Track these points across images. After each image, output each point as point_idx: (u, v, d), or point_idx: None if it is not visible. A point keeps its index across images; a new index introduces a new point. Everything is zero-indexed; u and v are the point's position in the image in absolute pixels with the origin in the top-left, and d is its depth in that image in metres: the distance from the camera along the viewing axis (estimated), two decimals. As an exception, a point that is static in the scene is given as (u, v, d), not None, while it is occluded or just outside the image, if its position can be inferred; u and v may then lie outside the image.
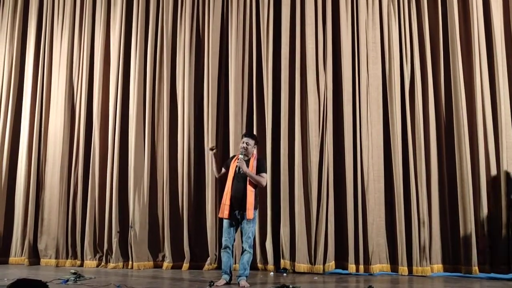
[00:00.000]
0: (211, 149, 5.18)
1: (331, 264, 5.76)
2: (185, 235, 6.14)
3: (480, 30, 5.98)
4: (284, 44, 6.27)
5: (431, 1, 6.18)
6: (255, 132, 6.02)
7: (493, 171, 5.72)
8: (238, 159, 4.89)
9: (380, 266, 5.76)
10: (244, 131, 6.06)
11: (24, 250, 6.52)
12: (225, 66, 6.51)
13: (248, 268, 4.83)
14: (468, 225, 5.58)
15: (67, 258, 6.45)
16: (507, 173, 5.66)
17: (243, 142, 4.95)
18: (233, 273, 4.91)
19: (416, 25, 6.13)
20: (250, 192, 4.78)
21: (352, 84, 6.10)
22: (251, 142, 4.97)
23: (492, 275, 5.51)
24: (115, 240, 6.23)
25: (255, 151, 5.06)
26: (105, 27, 6.85)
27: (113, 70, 6.72)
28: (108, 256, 6.27)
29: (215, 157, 5.19)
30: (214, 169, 5.21)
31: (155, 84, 6.59)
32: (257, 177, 4.86)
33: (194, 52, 6.59)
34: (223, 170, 5.12)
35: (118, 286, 4.59)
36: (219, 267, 5.66)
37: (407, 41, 6.10)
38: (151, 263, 6.24)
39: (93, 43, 6.92)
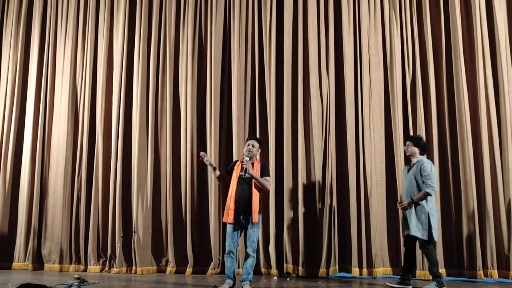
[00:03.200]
0: (202, 158, 4.99)
1: (334, 268, 5.75)
2: (188, 240, 6.14)
3: (483, 34, 6.00)
4: (287, 49, 6.31)
5: (433, 5, 6.22)
6: (258, 136, 6.03)
7: (499, 174, 5.71)
8: (243, 162, 4.87)
9: (383, 269, 5.78)
10: (247, 135, 6.08)
11: (27, 255, 6.53)
12: (228, 71, 6.54)
13: (252, 272, 4.81)
14: (472, 229, 5.58)
15: (70, 263, 6.45)
16: None
17: (248, 145, 4.93)
18: (236, 278, 4.91)
19: (418, 30, 6.17)
20: (255, 195, 4.77)
21: (354, 89, 6.13)
22: (256, 144, 4.96)
23: (497, 279, 5.50)
24: (118, 245, 6.23)
25: (258, 155, 5.06)
26: (108, 33, 6.89)
27: (116, 75, 6.75)
28: (112, 261, 6.27)
29: (210, 166, 5.03)
30: (213, 173, 5.13)
31: (158, 89, 6.62)
32: (263, 180, 4.83)
33: (196, 57, 6.62)
34: (220, 172, 5.08)
35: (122, 291, 4.60)
36: (222, 271, 5.66)
37: (409, 46, 6.13)
38: (155, 267, 6.23)
39: (96, 49, 6.95)
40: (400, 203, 4.99)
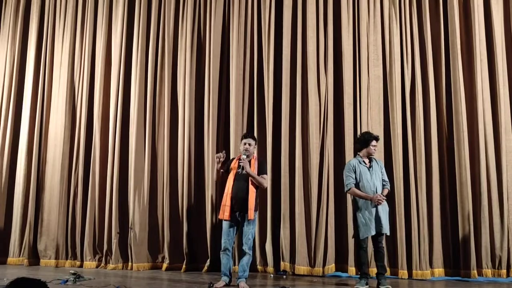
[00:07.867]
0: (218, 158, 4.97)
1: (331, 267, 5.75)
2: (184, 237, 6.13)
3: (481, 33, 5.98)
4: (285, 46, 6.27)
5: (432, 4, 6.19)
6: (255, 134, 6.02)
7: (493, 175, 5.70)
8: (240, 160, 4.88)
9: (380, 269, 5.74)
10: (244, 132, 6.04)
11: (23, 251, 6.52)
12: (226, 68, 6.51)
13: (248, 270, 4.83)
14: (467, 228, 5.57)
15: (66, 258, 6.45)
16: None
17: (245, 144, 4.93)
18: (232, 275, 4.91)
19: (417, 28, 6.14)
20: (252, 192, 4.78)
21: (353, 87, 6.10)
22: (252, 142, 4.97)
23: (491, 278, 5.50)
24: (114, 241, 6.22)
25: (255, 153, 5.04)
26: (106, 28, 6.86)
27: (114, 71, 6.72)
28: (108, 257, 6.26)
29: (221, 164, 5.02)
30: (215, 173, 5.09)
31: (156, 86, 6.60)
32: (259, 178, 4.85)
33: (195, 54, 6.59)
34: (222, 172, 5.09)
35: (117, 287, 4.59)
36: (218, 268, 5.64)
37: (408, 44, 6.10)
38: (151, 264, 6.23)
39: (94, 44, 6.94)
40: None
